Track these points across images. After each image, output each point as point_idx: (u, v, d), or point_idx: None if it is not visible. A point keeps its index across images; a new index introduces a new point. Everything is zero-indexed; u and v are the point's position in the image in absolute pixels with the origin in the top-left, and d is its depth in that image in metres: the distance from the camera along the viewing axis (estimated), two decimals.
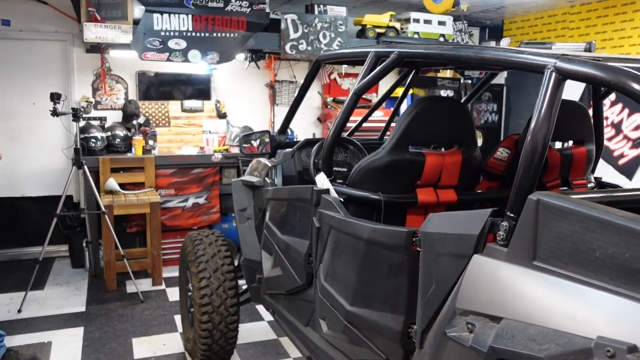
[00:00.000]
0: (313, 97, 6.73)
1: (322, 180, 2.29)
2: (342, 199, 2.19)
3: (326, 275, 2.15)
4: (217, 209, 5.72)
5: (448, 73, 6.51)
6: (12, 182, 5.66)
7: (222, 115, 6.11)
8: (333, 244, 2.10)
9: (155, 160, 5.31)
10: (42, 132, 5.60)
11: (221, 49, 5.08)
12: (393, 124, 2.78)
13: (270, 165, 3.23)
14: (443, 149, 2.43)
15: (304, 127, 6.50)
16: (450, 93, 6.36)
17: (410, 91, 6.57)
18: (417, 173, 2.21)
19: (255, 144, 3.43)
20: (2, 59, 5.49)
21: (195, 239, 3.56)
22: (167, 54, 4.90)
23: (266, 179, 3.16)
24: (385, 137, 3.81)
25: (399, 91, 4.16)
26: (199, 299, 3.30)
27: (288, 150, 3.39)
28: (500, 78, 6.92)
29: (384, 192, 2.18)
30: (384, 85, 6.98)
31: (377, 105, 3.74)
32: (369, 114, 3.63)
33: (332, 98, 6.66)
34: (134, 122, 5.61)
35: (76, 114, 4.59)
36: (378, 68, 2.20)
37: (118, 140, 5.46)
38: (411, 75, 3.34)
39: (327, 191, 2.25)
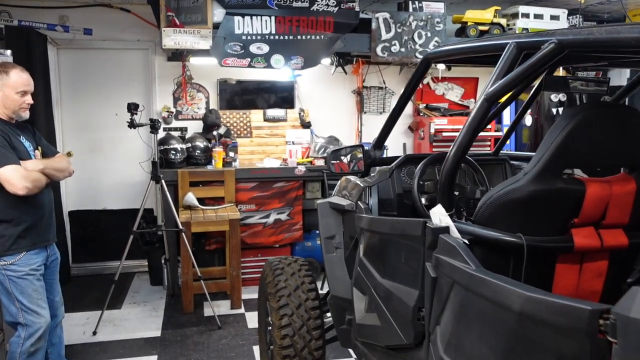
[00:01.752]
0: None
1: (439, 215, 1.74)
2: (466, 241, 1.64)
3: (447, 346, 1.60)
4: (300, 225, 5.29)
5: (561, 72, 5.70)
6: (94, 195, 5.54)
7: (306, 125, 5.69)
8: (458, 305, 1.55)
9: (236, 173, 4.97)
10: (124, 143, 5.43)
11: (306, 53, 4.66)
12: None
13: (363, 185, 2.72)
14: (603, 174, 1.80)
15: (393, 136, 5.92)
16: (562, 97, 5.57)
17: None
18: (574, 208, 1.62)
19: (345, 160, 2.93)
20: (84, 69, 5.38)
21: (276, 268, 3.11)
22: (249, 59, 4.54)
23: (359, 202, 2.64)
24: (501, 152, 3.19)
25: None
26: (279, 340, 2.84)
27: (384, 167, 2.86)
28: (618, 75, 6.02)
29: (526, 233, 1.60)
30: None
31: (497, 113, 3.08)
32: (485, 124, 3.02)
33: (424, 105, 6.06)
34: (215, 132, 5.31)
35: (154, 125, 4.32)
36: (524, 65, 1.62)
37: (198, 152, 5.18)
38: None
39: (446, 230, 1.70)
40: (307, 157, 5.45)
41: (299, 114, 5.70)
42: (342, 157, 2.89)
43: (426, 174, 2.53)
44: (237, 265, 4.69)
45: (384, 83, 6.00)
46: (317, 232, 5.32)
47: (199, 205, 4.76)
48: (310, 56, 4.65)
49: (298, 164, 5.24)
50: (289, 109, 5.72)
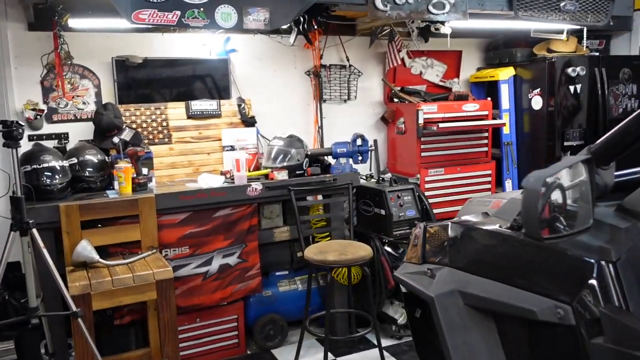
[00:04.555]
0: (372, 88, 4.65)
1: None
2: None
3: None
4: (257, 269, 3.59)
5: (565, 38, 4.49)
6: None
7: (249, 122, 3.98)
8: None
9: (157, 201, 3.16)
10: None
11: (273, 4, 2.93)
12: None
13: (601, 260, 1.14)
14: None
15: (360, 130, 4.41)
16: (581, 71, 4.36)
17: (498, 73, 4.58)
18: None
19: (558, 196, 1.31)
20: None
21: None
22: (178, 12, 2.72)
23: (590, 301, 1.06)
24: None
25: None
26: None
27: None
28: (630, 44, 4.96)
29: None
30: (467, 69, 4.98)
31: None
32: None
33: (399, 88, 4.59)
34: (116, 139, 3.44)
35: (10, 134, 2.42)
36: None
37: (89, 171, 3.29)
38: None
39: None
40: (262, 168, 3.75)
41: (239, 106, 3.97)
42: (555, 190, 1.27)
43: None
44: (173, 349, 2.91)
45: (348, 60, 4.44)
46: (279, 273, 3.66)
47: (100, 261, 2.90)
48: (279, 9, 2.94)
49: (249, 179, 3.52)
50: (223, 99, 3.97)
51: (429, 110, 4.24)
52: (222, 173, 3.70)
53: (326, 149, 3.88)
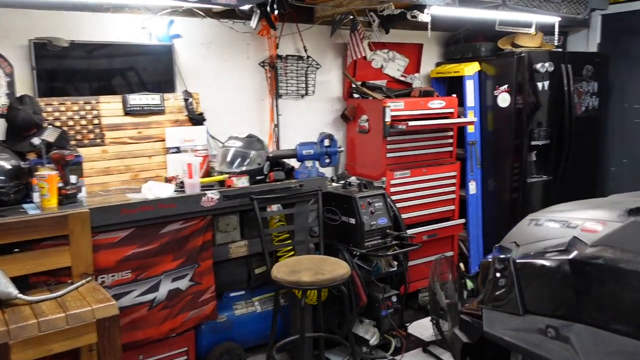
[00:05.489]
0: (330, 82, 4.23)
1: None
2: None
3: None
4: (212, 292, 3.06)
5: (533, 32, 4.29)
6: None
7: (197, 119, 3.43)
8: None
9: (92, 217, 2.56)
10: None
11: None
12: None
13: None
14: None
15: (318, 128, 4.00)
16: (549, 67, 4.16)
17: (463, 69, 4.32)
18: None
19: None
20: None
21: None
22: None
23: None
24: None
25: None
26: None
27: None
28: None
29: None
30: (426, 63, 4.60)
31: None
32: None
33: (360, 82, 4.20)
34: (36, 140, 2.79)
35: None
36: None
37: (1, 179, 2.63)
38: None
39: None
40: (215, 173, 3.22)
41: (186, 101, 3.41)
42: None
43: None
44: None
45: (305, 51, 3.98)
46: (234, 294, 3.17)
47: (20, 296, 2.27)
48: None
49: (203, 187, 2.99)
50: (166, 92, 3.39)
51: (395, 107, 3.87)
52: (166, 180, 3.15)
53: (290, 150, 3.41)
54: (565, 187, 4.41)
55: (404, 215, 3.79)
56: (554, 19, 3.67)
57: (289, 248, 3.30)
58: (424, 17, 3.18)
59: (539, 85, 4.15)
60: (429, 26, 3.20)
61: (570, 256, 1.40)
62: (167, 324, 2.90)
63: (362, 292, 3.34)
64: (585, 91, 4.42)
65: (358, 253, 3.35)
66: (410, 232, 3.75)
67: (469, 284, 4.40)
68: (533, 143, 4.23)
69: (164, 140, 3.29)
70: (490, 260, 1.59)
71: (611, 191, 4.92)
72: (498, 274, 1.55)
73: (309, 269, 2.77)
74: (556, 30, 3.83)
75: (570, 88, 4.26)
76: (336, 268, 2.79)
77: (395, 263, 3.54)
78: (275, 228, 3.28)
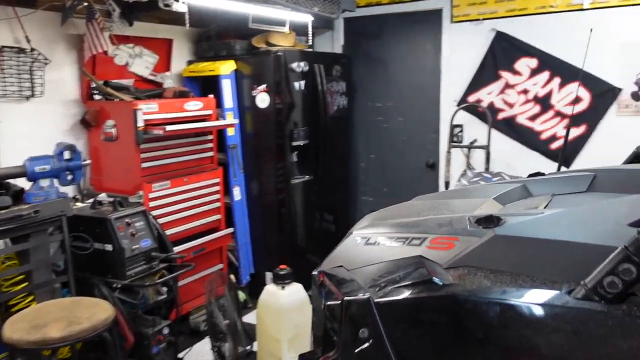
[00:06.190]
0: (65, 81, 3.51)
1: None
2: None
3: None
4: None
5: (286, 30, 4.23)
6: None
7: None
8: None
9: None
10: None
11: None
12: None
13: None
14: None
15: (53, 137, 3.28)
16: (305, 67, 4.14)
17: (219, 67, 4.10)
18: None
19: None
20: None
21: None
22: None
23: None
24: None
25: None
26: None
27: None
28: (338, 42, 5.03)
29: None
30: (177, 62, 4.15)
31: None
32: None
33: (103, 81, 3.57)
34: None
35: None
36: None
37: None
38: None
39: None
40: None
41: None
42: None
43: None
44: None
45: (28, 42, 3.19)
46: None
47: None
48: None
49: None
50: None
51: (149, 110, 3.37)
52: None
53: (16, 167, 2.64)
54: (325, 185, 4.49)
55: (167, 232, 3.33)
56: (307, 18, 3.63)
57: (25, 294, 2.56)
58: (180, 6, 2.77)
59: (296, 85, 4.11)
60: (187, 17, 2.80)
61: (442, 291, 1.15)
62: None
63: (128, 332, 2.79)
64: (336, 91, 4.56)
65: (120, 285, 2.79)
66: (176, 249, 3.32)
67: (242, 296, 4.18)
68: (294, 144, 4.18)
69: None
70: (334, 303, 1.22)
71: (362, 186, 5.23)
72: (354, 323, 1.19)
73: (59, 319, 2.16)
74: (309, 29, 3.81)
75: (324, 88, 4.33)
76: (95, 312, 2.23)
77: (165, 289, 3.08)
78: (3, 272, 2.50)
